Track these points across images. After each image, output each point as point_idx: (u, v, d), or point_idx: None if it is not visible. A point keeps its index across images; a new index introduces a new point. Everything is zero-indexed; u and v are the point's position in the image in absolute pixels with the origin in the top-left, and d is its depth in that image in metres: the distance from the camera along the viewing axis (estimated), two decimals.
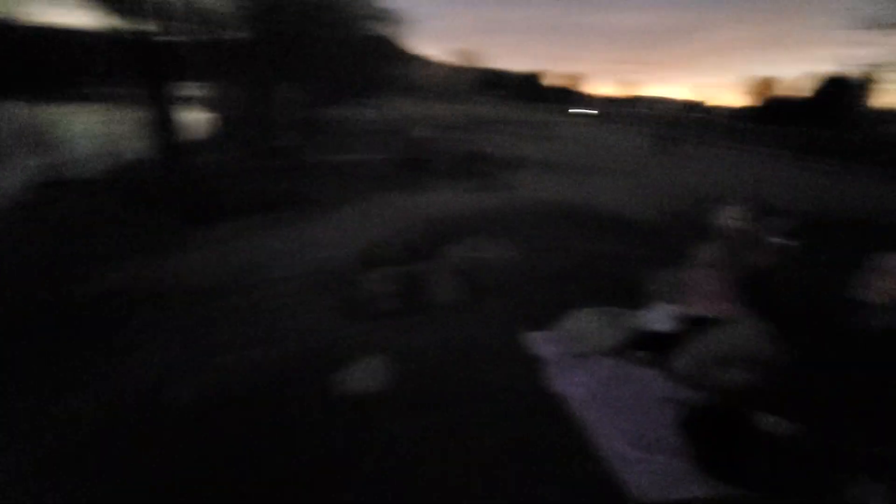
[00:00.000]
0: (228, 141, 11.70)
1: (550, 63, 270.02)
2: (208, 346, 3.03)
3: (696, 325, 2.46)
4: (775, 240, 1.53)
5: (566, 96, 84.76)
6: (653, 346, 2.57)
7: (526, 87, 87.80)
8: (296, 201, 7.45)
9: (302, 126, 13.36)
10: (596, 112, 54.18)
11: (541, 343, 2.70)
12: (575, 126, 31.31)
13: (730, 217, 2.37)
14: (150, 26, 7.98)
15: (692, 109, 79.22)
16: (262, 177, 9.02)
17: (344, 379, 2.46)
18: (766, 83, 63.92)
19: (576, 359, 2.53)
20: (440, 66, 79.47)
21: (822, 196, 10.48)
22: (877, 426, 1.37)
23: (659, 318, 2.65)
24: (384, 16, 26.91)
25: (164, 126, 8.34)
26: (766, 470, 1.43)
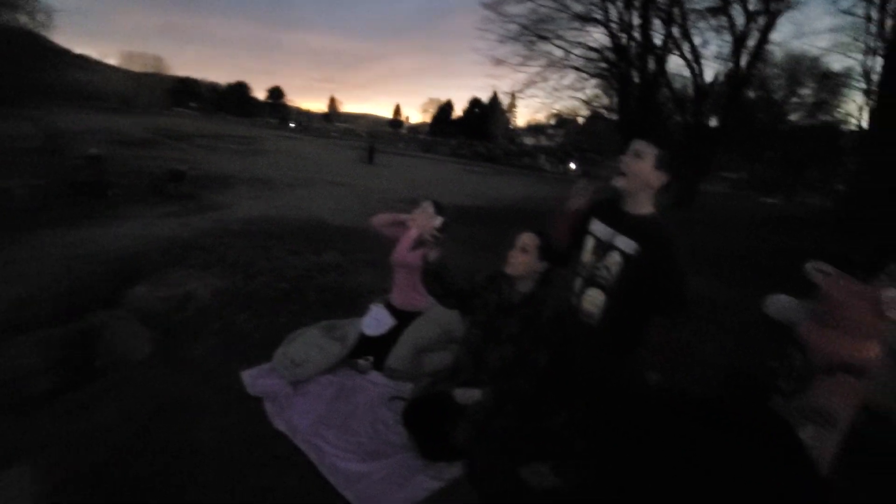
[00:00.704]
0: None
1: (253, 76, 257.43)
2: None
3: (403, 319, 2.70)
4: (440, 231, 1.79)
5: (274, 110, 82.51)
6: (373, 350, 2.68)
7: (228, 100, 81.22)
8: None
9: None
10: (296, 125, 54.56)
11: (258, 379, 2.45)
12: (285, 140, 30.77)
13: (418, 215, 2.66)
14: None
15: (391, 125, 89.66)
16: None
17: None
18: (441, 104, 78.34)
19: (299, 386, 2.39)
20: (120, 73, 64.42)
21: (478, 192, 13.52)
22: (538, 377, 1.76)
23: (374, 320, 2.78)
24: (27, 5, 19.91)
25: None
26: (463, 437, 1.66)
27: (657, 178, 1.56)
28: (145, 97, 59.08)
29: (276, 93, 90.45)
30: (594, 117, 26.75)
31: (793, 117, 25.14)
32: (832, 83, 22.52)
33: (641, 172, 1.55)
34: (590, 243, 1.70)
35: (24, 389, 2.51)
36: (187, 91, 78.92)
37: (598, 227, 1.68)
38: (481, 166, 27.73)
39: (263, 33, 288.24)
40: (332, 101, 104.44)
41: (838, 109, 23.93)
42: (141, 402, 2.38)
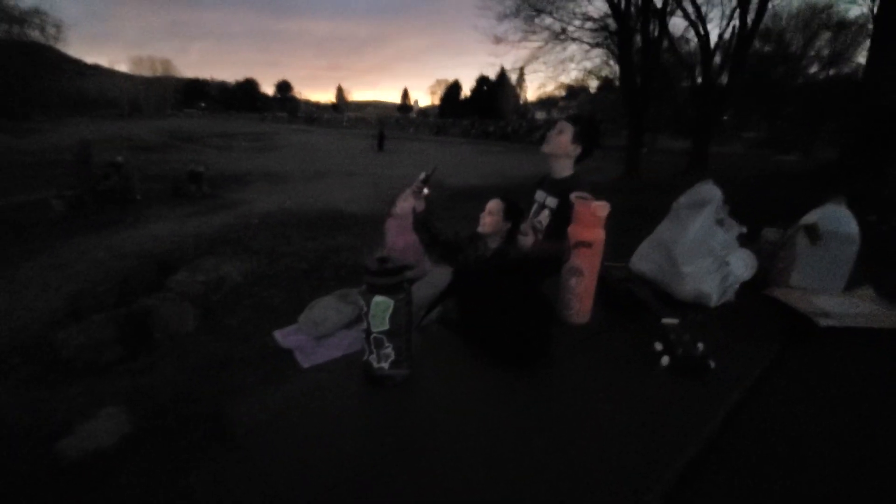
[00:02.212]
0: None
1: (260, 70, 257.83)
2: None
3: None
4: (424, 183, 2.19)
5: (283, 104, 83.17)
6: None
7: (237, 97, 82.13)
8: None
9: None
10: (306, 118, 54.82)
11: (286, 336, 2.95)
12: (296, 134, 31.31)
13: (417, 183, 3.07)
14: None
15: (400, 110, 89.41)
16: None
17: (72, 442, 2.18)
18: (449, 84, 77.17)
19: (319, 340, 2.89)
20: (131, 79, 66.01)
21: (489, 171, 13.81)
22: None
23: None
24: (32, 18, 20.57)
25: None
26: None
27: (574, 149, 2.02)
28: (155, 101, 60.51)
29: (283, 87, 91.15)
30: (604, 87, 26.43)
31: (811, 71, 24.40)
32: (847, 33, 21.74)
33: (561, 144, 2.02)
34: (534, 207, 2.17)
35: (101, 356, 3.08)
36: (197, 92, 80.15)
37: (538, 194, 2.16)
38: (493, 145, 27.83)
39: (267, 23, 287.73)
40: (340, 91, 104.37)
41: (853, 61, 22.99)
42: (193, 361, 2.92)
